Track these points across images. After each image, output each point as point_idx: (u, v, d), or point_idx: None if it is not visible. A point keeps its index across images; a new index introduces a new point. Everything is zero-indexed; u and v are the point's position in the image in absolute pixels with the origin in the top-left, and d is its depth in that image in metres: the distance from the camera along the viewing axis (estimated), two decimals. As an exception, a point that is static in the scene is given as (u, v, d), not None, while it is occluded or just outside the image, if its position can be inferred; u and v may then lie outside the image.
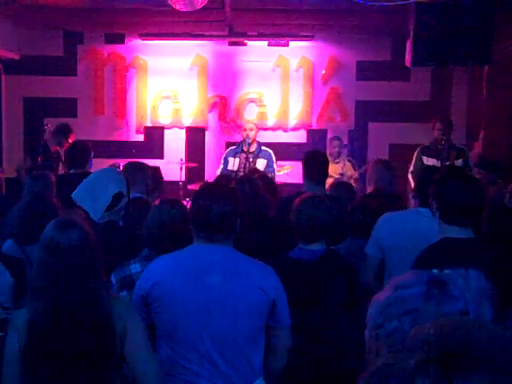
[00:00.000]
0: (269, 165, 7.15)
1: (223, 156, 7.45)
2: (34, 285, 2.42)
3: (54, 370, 2.33)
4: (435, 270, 1.43)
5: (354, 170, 7.65)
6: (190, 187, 7.59)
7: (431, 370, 0.89)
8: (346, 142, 8.51)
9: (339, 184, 5.38)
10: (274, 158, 7.25)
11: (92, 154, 5.80)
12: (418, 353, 0.92)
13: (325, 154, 5.11)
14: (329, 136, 8.63)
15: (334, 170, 7.42)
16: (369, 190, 5.12)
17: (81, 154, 5.70)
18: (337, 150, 7.71)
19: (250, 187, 4.20)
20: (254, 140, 7.24)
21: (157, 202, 3.76)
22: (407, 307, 1.33)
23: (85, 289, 2.34)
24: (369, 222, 4.04)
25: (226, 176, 5.98)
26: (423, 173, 3.96)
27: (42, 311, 2.34)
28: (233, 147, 7.45)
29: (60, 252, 2.34)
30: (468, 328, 0.96)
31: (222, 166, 7.30)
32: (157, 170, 5.31)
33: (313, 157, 4.81)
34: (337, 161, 7.63)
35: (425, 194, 3.44)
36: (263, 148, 7.28)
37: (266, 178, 5.32)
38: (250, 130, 7.24)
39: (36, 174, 4.86)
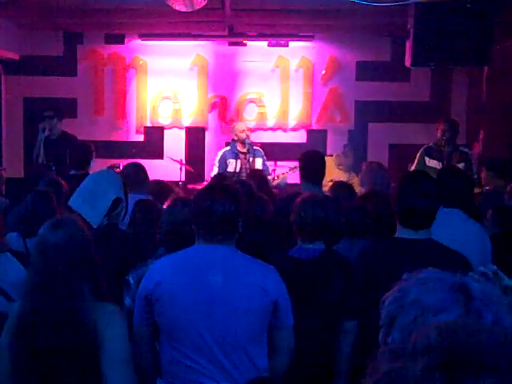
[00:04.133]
0: (264, 163, 7.23)
1: (217, 158, 7.34)
2: (27, 281, 2.45)
3: (38, 367, 2.33)
4: (457, 280, 1.33)
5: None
6: (189, 187, 7.62)
7: (437, 377, 0.88)
8: (345, 142, 8.53)
9: (339, 184, 5.38)
10: (265, 157, 7.34)
11: (93, 155, 5.81)
12: (421, 359, 0.91)
13: (322, 155, 5.08)
14: (329, 136, 8.65)
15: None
16: (363, 191, 5.13)
17: (83, 155, 5.69)
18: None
19: (243, 188, 4.20)
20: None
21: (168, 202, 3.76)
22: None
23: (66, 291, 2.33)
24: (365, 223, 4.04)
25: (224, 176, 5.97)
26: (441, 173, 3.97)
27: (28, 308, 2.36)
28: (227, 149, 7.41)
29: (47, 251, 2.36)
30: (470, 331, 0.94)
31: (216, 169, 7.22)
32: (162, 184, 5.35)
33: (310, 157, 4.79)
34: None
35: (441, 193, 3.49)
36: (255, 147, 7.30)
37: (264, 179, 5.34)
38: (247, 129, 7.30)
39: (48, 181, 4.83)
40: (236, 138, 7.28)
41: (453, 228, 3.44)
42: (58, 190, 4.51)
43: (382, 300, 1.36)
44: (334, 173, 7.00)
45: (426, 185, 2.95)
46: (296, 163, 5.37)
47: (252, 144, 7.30)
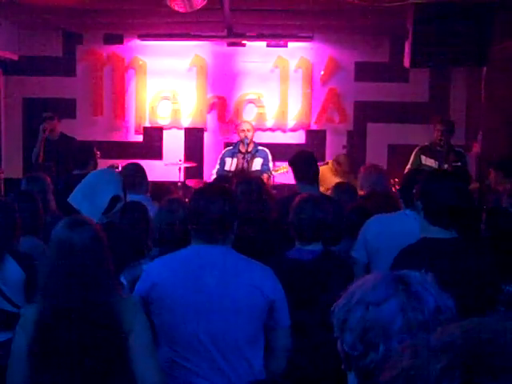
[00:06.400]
0: (264, 163, 7.21)
1: (219, 156, 7.51)
2: (44, 283, 2.42)
3: (63, 368, 2.33)
4: (397, 274, 1.41)
5: None
6: (188, 183, 7.65)
7: (457, 375, 0.87)
8: (344, 142, 8.54)
9: (341, 185, 5.37)
10: (270, 157, 7.31)
11: (94, 155, 5.86)
12: (443, 356, 0.90)
13: (312, 153, 5.00)
14: (328, 137, 8.65)
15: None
16: (361, 193, 5.13)
17: (85, 155, 5.75)
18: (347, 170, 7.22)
19: (253, 188, 4.17)
20: (251, 140, 7.27)
21: (162, 202, 3.76)
22: (390, 331, 1.32)
23: (96, 288, 2.35)
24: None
25: (224, 177, 5.99)
26: (409, 174, 3.95)
27: (52, 310, 2.34)
28: (229, 148, 7.53)
29: (72, 251, 2.35)
30: (495, 331, 0.93)
31: (218, 167, 7.35)
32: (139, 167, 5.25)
33: (300, 158, 4.71)
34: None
35: (409, 195, 3.49)
36: (260, 147, 7.34)
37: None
38: (248, 130, 7.29)
39: (31, 177, 4.87)
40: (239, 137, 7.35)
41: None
42: (42, 186, 4.50)
43: (332, 310, 1.42)
44: (331, 182, 6.94)
45: (458, 183, 2.90)
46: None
47: (256, 144, 7.32)
